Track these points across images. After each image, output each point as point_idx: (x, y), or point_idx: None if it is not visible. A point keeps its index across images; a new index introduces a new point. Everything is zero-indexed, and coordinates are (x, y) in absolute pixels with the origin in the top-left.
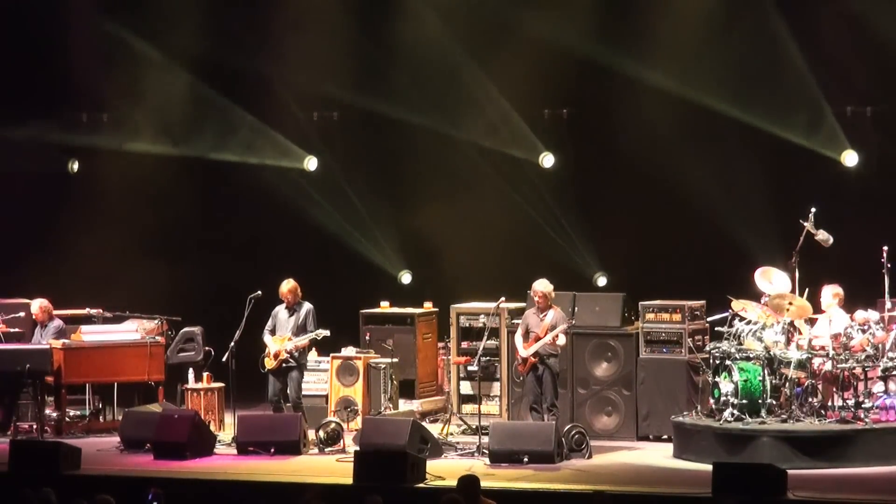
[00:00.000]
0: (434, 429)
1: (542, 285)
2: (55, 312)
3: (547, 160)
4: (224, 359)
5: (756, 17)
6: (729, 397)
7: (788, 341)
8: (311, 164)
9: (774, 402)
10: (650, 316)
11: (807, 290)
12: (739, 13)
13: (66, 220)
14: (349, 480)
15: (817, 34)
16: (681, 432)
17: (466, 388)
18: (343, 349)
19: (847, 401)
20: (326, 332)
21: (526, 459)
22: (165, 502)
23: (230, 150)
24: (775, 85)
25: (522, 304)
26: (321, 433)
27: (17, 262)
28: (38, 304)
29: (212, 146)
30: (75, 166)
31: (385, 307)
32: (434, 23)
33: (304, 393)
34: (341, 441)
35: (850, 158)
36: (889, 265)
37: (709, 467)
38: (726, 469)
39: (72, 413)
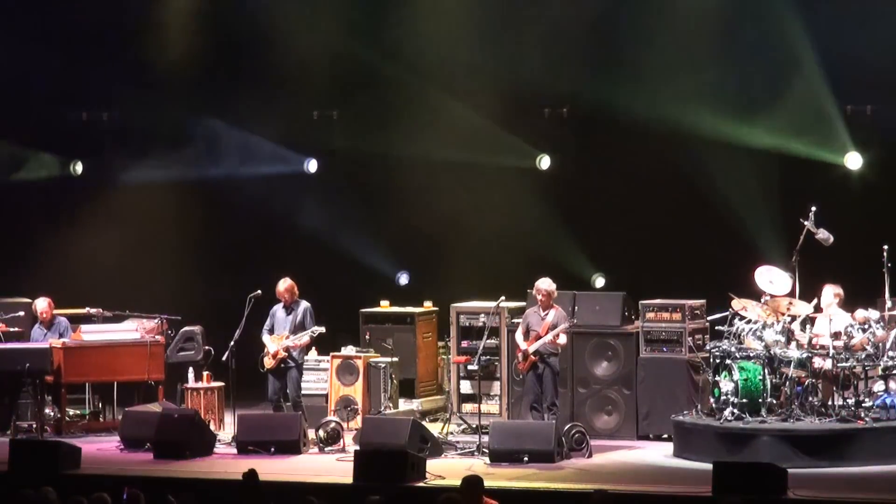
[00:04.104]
0: (434, 428)
1: (546, 284)
2: (54, 312)
3: (544, 161)
4: (224, 358)
5: (757, 18)
6: (729, 396)
7: (789, 340)
8: (311, 166)
9: (775, 402)
10: (650, 315)
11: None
12: (740, 13)
13: (66, 220)
14: (349, 480)
15: (820, 32)
16: (681, 431)
17: (466, 387)
18: (343, 348)
19: (847, 400)
20: (321, 329)
21: (526, 459)
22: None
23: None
24: (776, 83)
25: (522, 304)
26: (321, 433)
27: (17, 262)
28: (47, 302)
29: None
30: (78, 167)
31: (385, 306)
32: (433, 22)
33: (303, 392)
34: (341, 440)
35: (852, 160)
36: (889, 264)
37: (709, 466)
38: (726, 468)
39: (72, 412)
